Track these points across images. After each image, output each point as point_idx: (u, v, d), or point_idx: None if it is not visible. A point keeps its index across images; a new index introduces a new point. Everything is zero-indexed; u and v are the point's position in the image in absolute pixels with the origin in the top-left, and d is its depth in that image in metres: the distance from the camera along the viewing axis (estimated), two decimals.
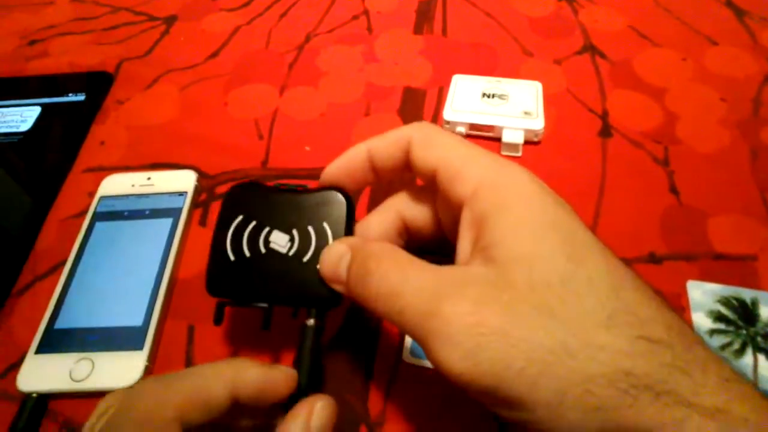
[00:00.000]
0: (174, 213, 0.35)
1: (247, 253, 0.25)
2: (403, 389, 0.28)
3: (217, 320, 0.26)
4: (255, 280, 0.25)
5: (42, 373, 0.28)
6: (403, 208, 0.26)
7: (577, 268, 0.19)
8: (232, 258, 0.25)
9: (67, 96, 0.44)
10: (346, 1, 0.52)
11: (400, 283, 0.20)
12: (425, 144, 0.23)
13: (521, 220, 0.20)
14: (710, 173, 0.36)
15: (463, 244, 0.22)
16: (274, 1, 0.52)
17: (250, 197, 0.26)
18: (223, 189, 0.37)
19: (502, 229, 0.20)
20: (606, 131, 0.39)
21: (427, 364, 0.28)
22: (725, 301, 0.30)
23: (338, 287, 0.23)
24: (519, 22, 0.48)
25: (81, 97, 0.43)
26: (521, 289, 0.19)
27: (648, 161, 0.37)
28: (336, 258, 0.23)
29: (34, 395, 0.28)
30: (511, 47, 0.46)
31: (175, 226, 0.34)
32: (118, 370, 0.28)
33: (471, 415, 0.27)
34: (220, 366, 0.22)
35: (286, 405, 0.22)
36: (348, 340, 0.30)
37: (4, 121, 0.42)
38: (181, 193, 0.36)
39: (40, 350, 0.29)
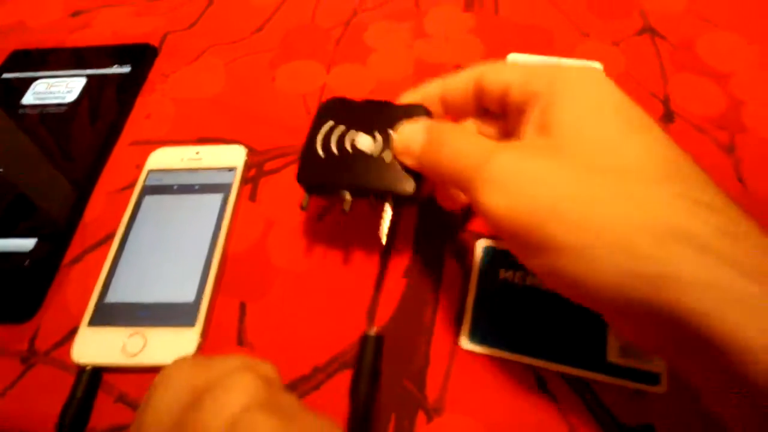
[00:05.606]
0: (224, 188, 0.34)
1: (336, 152, 0.28)
2: (461, 376, 0.27)
3: (304, 206, 0.28)
4: (340, 173, 0.27)
5: (95, 346, 0.28)
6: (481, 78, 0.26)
7: (631, 137, 0.20)
8: (321, 155, 0.28)
9: (112, 68, 0.43)
10: None
11: (466, 144, 0.23)
12: (498, 68, 0.25)
13: (582, 102, 0.21)
14: None
15: (525, 128, 0.23)
16: None
17: (340, 107, 0.29)
18: (272, 165, 0.36)
19: (562, 109, 0.21)
20: (668, 116, 0.37)
21: (484, 351, 0.27)
22: None
23: (408, 160, 0.26)
24: (574, 1, 0.46)
25: (126, 69, 0.43)
26: (570, 148, 0.20)
27: (713, 148, 0.35)
28: (411, 134, 0.26)
29: (89, 367, 0.28)
30: (566, 27, 0.44)
31: (226, 201, 0.33)
32: (171, 346, 0.28)
33: (528, 404, 0.26)
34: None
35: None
36: (403, 327, 0.29)
37: (50, 92, 0.42)
38: (231, 169, 0.35)
39: (92, 323, 0.29)
